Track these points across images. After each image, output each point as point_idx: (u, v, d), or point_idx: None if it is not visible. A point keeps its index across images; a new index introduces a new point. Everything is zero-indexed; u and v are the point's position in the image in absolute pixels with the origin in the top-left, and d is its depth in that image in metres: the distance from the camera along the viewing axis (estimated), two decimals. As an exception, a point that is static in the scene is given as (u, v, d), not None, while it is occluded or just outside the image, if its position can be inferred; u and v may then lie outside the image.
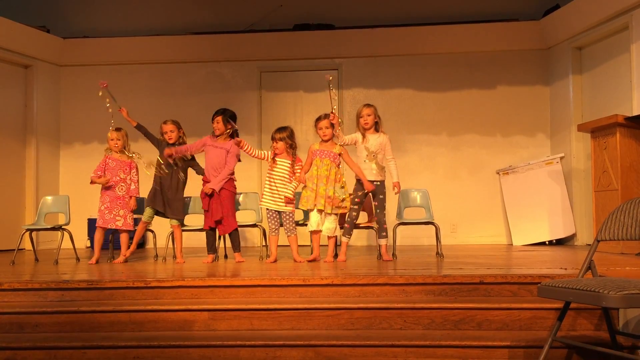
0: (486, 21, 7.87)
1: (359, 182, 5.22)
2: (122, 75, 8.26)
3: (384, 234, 5.26)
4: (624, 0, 6.20)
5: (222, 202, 5.36)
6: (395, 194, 5.41)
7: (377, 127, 5.29)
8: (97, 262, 5.43)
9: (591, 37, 6.93)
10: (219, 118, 5.48)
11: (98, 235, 5.55)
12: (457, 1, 8.13)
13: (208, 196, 5.36)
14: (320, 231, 5.21)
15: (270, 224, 5.31)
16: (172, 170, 5.52)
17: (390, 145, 5.34)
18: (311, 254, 5.28)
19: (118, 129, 5.64)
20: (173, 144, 5.57)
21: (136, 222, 5.76)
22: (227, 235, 5.62)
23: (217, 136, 5.49)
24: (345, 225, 5.27)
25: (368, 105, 5.31)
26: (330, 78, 5.16)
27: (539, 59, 7.83)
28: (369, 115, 5.24)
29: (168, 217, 5.60)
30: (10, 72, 7.74)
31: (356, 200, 5.23)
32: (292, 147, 5.30)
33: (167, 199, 5.52)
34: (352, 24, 8.09)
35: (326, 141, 5.26)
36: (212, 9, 8.35)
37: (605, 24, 6.63)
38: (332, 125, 5.17)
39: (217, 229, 5.51)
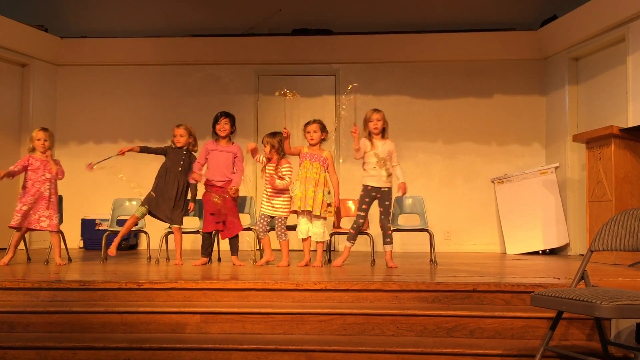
0: (484, 30, 7.91)
1: (366, 187, 5.14)
2: (119, 76, 8.26)
3: (389, 240, 5.20)
4: (621, 12, 6.24)
5: (228, 205, 5.37)
6: (402, 195, 5.33)
7: (384, 133, 5.23)
8: (8, 263, 5.29)
9: (588, 48, 6.97)
10: (227, 120, 5.46)
11: (17, 237, 5.35)
12: (456, 10, 8.16)
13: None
14: (310, 237, 5.22)
15: (258, 226, 5.32)
16: (175, 178, 5.49)
17: (396, 152, 5.29)
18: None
19: (45, 129, 5.41)
20: (180, 148, 5.58)
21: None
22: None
23: (220, 138, 5.48)
24: (351, 230, 5.23)
25: (377, 110, 5.19)
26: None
27: (536, 68, 7.86)
28: (378, 120, 5.13)
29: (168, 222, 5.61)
30: (7, 71, 7.71)
31: (363, 206, 5.16)
32: (278, 152, 5.28)
33: (168, 208, 5.48)
34: (350, 30, 8.11)
35: (313, 145, 5.27)
36: (211, 11, 8.35)
37: (602, 36, 6.67)
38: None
39: (219, 233, 5.50)
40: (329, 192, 5.19)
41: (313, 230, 5.18)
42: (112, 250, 5.43)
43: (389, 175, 5.16)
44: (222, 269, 4.96)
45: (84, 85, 8.28)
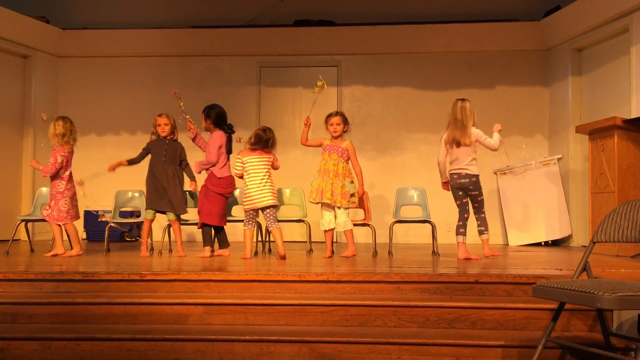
0: (487, 21, 7.86)
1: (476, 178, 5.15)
2: (121, 68, 8.25)
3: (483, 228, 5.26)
4: (625, 2, 6.20)
5: (203, 196, 5.41)
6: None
7: None
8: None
9: (591, 38, 6.93)
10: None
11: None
12: (458, 0, 8.11)
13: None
14: (333, 229, 5.23)
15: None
16: (162, 170, 5.44)
17: None
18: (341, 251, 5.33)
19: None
20: (162, 139, 5.51)
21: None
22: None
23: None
24: (459, 223, 5.21)
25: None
26: None
27: (539, 59, 7.82)
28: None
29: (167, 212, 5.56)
30: (8, 62, 7.70)
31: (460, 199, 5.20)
32: (248, 143, 5.23)
33: (167, 198, 5.44)
34: (352, 21, 8.07)
35: (336, 138, 5.28)
36: (213, 2, 8.31)
37: (605, 26, 6.62)
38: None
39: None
40: (351, 182, 5.20)
41: (338, 220, 5.21)
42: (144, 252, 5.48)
43: None
44: (224, 261, 4.97)
45: (85, 77, 8.26)
